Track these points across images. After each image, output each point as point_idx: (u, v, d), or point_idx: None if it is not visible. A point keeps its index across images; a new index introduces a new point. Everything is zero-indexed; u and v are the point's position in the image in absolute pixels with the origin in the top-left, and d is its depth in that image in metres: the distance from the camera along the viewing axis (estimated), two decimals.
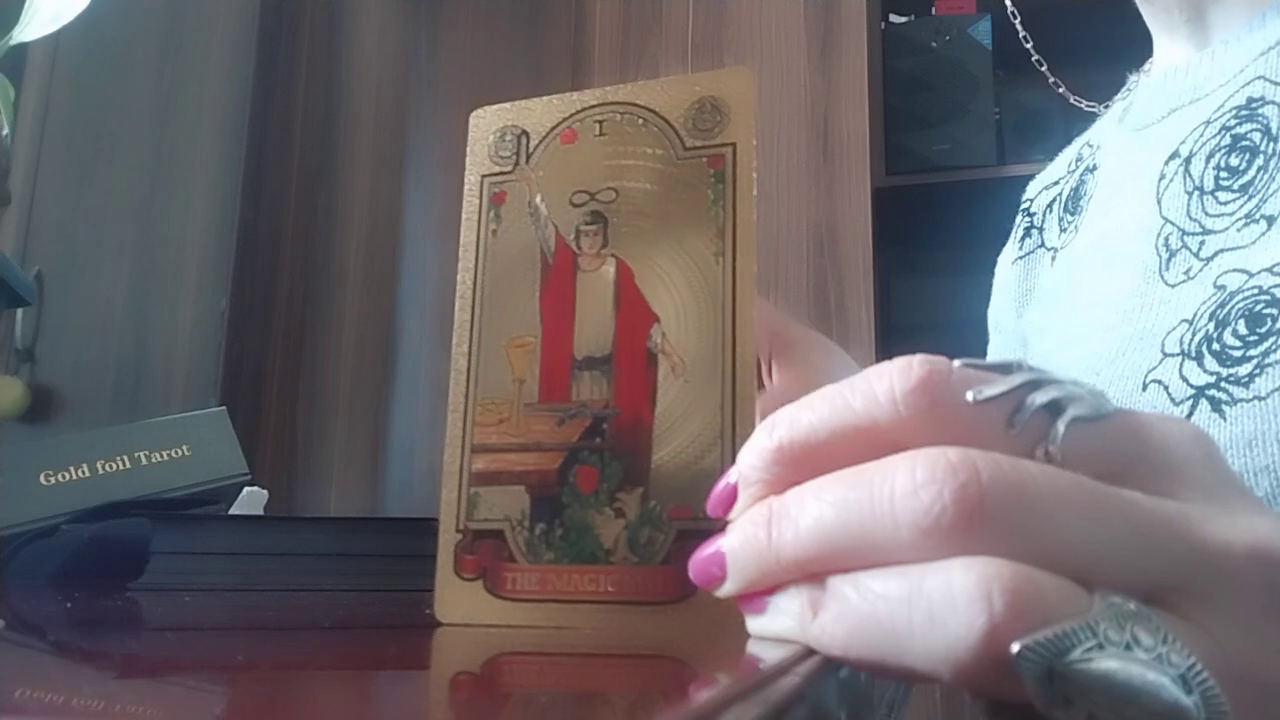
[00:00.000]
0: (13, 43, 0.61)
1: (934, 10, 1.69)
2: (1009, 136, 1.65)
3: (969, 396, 0.23)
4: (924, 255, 1.79)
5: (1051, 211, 0.67)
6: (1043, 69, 0.68)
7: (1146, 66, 0.65)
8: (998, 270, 0.73)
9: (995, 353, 0.72)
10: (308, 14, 1.96)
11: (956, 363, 0.23)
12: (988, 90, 1.62)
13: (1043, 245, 0.67)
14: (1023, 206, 0.72)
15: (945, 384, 0.23)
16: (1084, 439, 0.23)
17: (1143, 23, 0.63)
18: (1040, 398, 0.23)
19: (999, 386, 0.23)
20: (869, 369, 0.24)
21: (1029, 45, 0.69)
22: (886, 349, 1.52)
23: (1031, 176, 0.73)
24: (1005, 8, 0.70)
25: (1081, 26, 1.40)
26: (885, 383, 0.23)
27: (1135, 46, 0.65)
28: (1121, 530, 0.22)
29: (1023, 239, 0.70)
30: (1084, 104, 0.67)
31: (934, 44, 1.65)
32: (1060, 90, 0.67)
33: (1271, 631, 0.22)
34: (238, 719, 0.18)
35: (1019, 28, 0.69)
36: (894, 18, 1.70)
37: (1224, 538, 0.22)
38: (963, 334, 0.77)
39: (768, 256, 1.55)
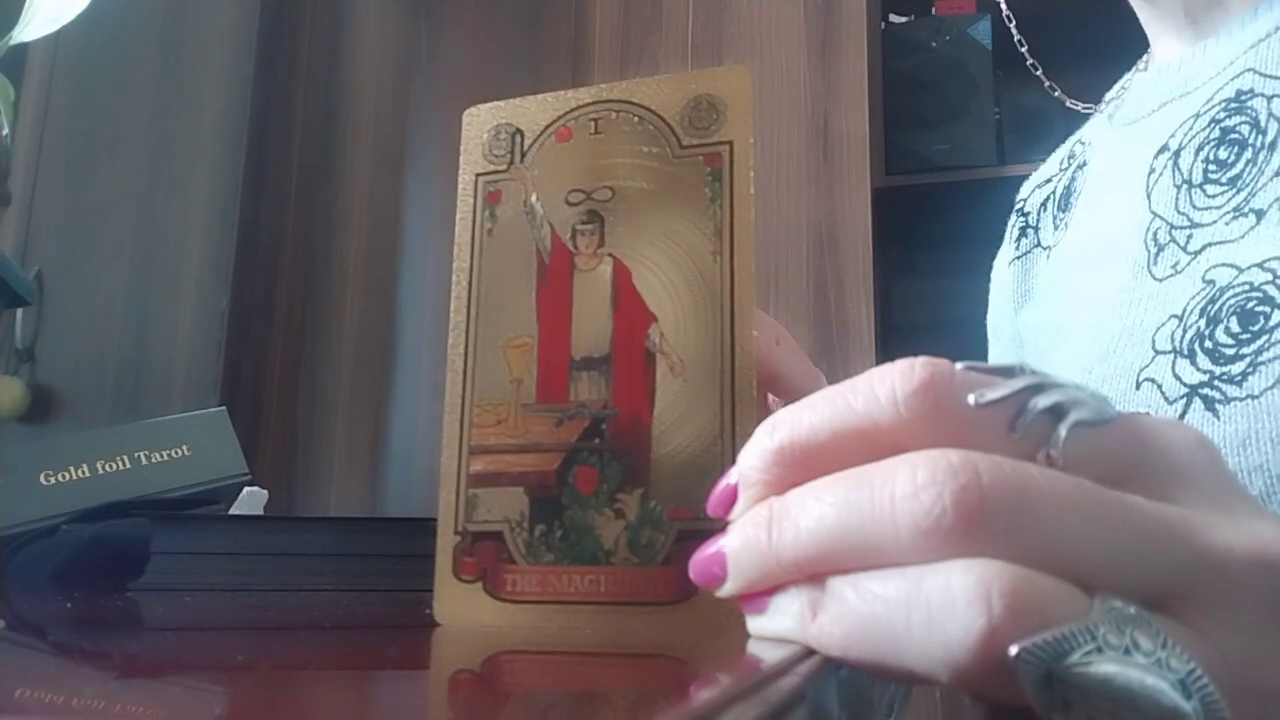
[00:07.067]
0: (13, 43, 0.60)
1: (934, 10, 1.69)
2: (1009, 136, 1.65)
3: (971, 400, 0.23)
4: (924, 255, 1.78)
5: (1046, 210, 0.67)
6: (1037, 73, 0.68)
7: (1142, 64, 0.64)
8: (993, 275, 0.73)
9: (995, 359, 0.72)
10: (308, 14, 1.96)
11: (959, 365, 0.23)
12: (988, 90, 1.62)
13: (1039, 244, 0.67)
14: (1016, 207, 0.71)
15: (947, 387, 0.23)
16: (1086, 443, 0.23)
17: (1139, 23, 0.63)
18: (1043, 401, 0.23)
19: (1001, 390, 0.23)
20: (871, 370, 0.24)
21: (1024, 49, 0.69)
22: (886, 349, 1.51)
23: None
24: (1005, 8, 0.70)
25: (1078, 28, 1.40)
26: (887, 384, 0.23)
27: (1132, 47, 0.65)
28: (1123, 534, 0.21)
29: (1018, 240, 0.69)
30: (1080, 106, 0.67)
31: (934, 44, 1.65)
32: (1056, 94, 0.67)
33: (1273, 637, 0.22)
34: (238, 719, 0.18)
35: (1014, 31, 0.69)
36: (894, 18, 1.69)
37: (1226, 543, 0.22)
38: (963, 335, 0.77)
39: (768, 256, 1.55)
